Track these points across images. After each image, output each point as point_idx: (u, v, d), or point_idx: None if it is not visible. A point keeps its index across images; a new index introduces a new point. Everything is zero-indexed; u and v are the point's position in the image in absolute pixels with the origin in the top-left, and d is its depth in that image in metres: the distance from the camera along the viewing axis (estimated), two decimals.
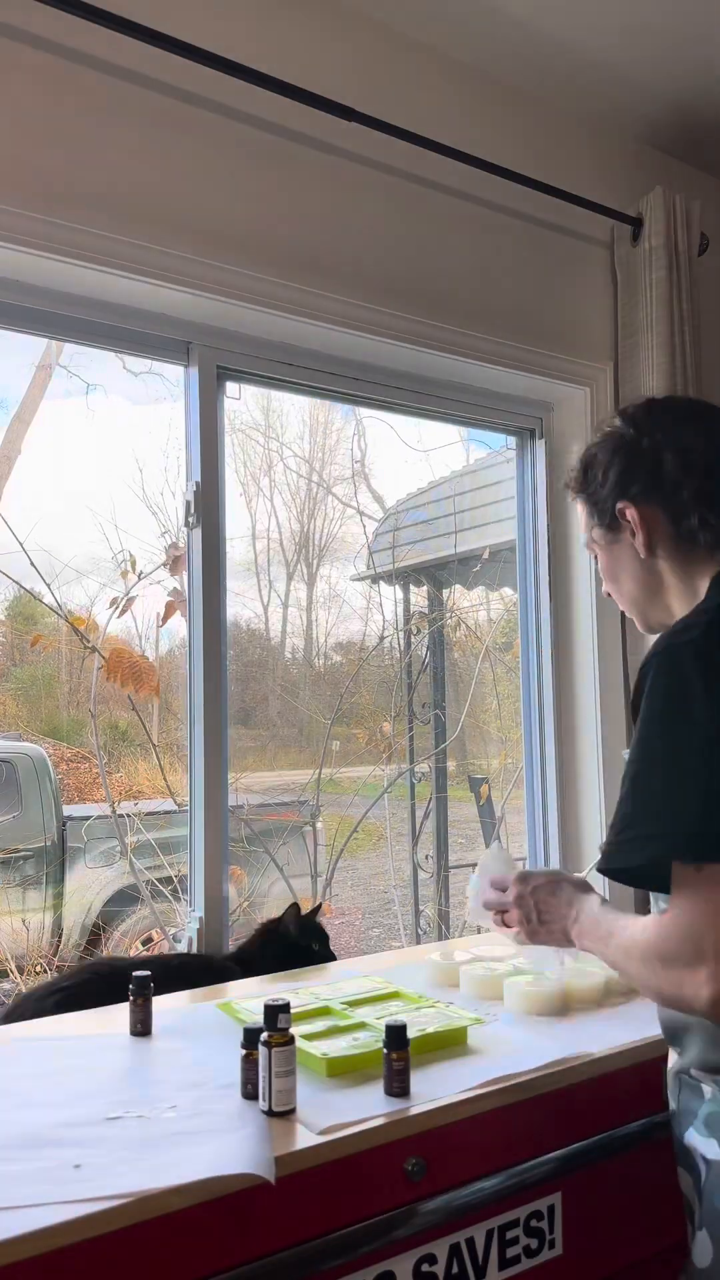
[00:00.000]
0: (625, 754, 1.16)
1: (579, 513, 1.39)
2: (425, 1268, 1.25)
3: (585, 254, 2.68)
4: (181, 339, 2.13)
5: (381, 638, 2.98)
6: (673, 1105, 1.23)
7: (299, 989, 1.75)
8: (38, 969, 2.40)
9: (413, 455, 2.83)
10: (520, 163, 2.42)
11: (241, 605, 2.50)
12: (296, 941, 2.00)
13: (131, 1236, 1.03)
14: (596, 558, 1.39)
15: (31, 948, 2.40)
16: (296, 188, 2.14)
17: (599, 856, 1.13)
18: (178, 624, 2.25)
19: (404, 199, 2.31)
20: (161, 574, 2.25)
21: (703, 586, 1.24)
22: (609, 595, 1.40)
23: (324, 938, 2.07)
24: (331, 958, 2.07)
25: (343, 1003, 1.64)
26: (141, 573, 2.25)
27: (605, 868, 1.12)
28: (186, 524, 2.16)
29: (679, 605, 1.27)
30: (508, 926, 1.44)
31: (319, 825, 2.82)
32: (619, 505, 1.29)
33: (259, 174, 2.09)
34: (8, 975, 2.35)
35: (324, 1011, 1.61)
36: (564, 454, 2.74)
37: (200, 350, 2.15)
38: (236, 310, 2.09)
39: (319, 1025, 1.53)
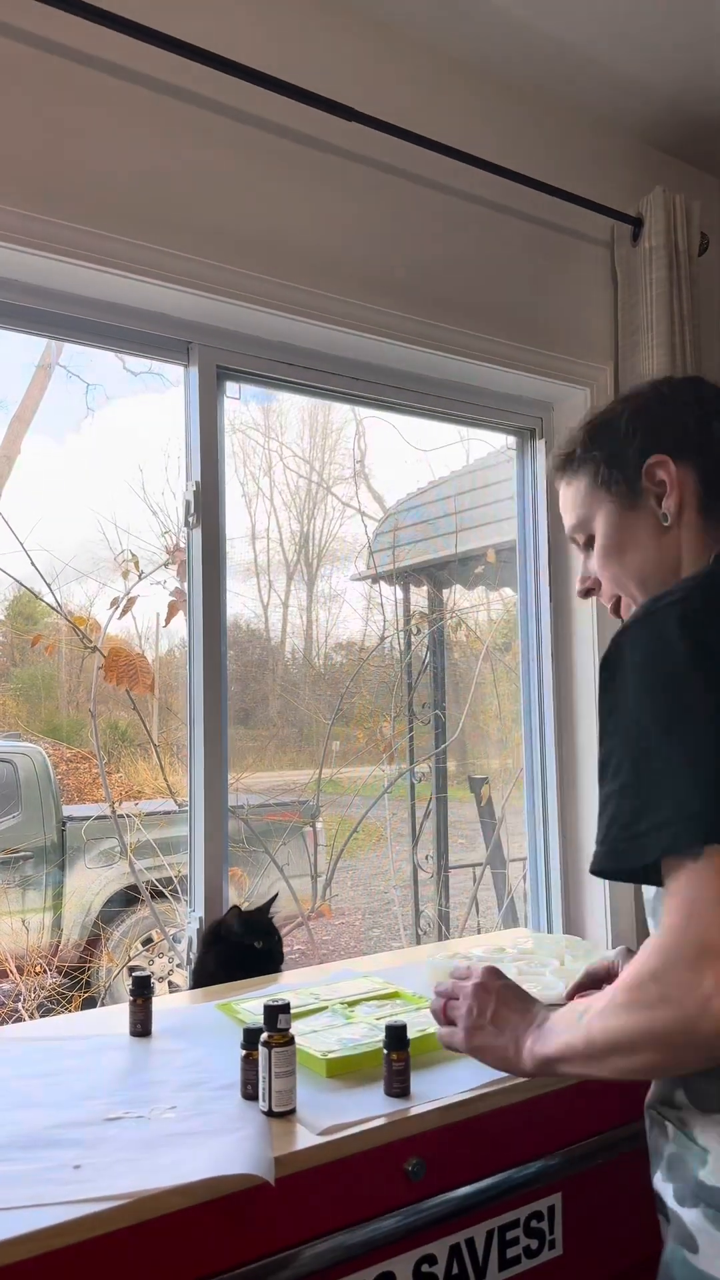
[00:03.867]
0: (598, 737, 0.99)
1: (573, 488, 1.22)
2: (425, 1268, 1.25)
3: (585, 253, 2.68)
4: (181, 339, 2.13)
5: (381, 638, 2.97)
6: (648, 1143, 1.08)
7: (297, 990, 1.74)
8: (37, 969, 2.40)
9: (413, 455, 2.82)
10: (520, 162, 2.42)
11: (241, 605, 2.50)
12: (240, 940, 1.92)
13: (131, 1237, 1.03)
14: (587, 540, 1.22)
15: (31, 948, 2.39)
16: (296, 187, 2.14)
17: (598, 854, 0.96)
18: (178, 623, 2.25)
19: (404, 198, 2.31)
20: (163, 574, 2.24)
21: (710, 559, 1.11)
22: (588, 589, 1.25)
23: (269, 935, 1.95)
24: (278, 959, 1.96)
25: (342, 1003, 1.64)
26: (143, 573, 2.24)
27: (616, 867, 0.94)
28: (186, 524, 2.16)
29: None
30: (447, 1019, 1.21)
31: (319, 825, 2.81)
32: (651, 460, 1.13)
33: (259, 173, 2.09)
34: (7, 975, 2.34)
35: (323, 1012, 1.61)
36: None
37: (200, 350, 2.15)
38: (236, 310, 2.09)
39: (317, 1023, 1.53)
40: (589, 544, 1.22)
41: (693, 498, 1.13)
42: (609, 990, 0.95)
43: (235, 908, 1.98)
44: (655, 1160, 1.04)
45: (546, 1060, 1.04)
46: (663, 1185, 1.01)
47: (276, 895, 2.00)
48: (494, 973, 1.20)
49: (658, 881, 0.92)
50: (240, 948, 1.91)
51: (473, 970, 1.22)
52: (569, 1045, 0.99)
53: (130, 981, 1.58)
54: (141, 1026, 1.55)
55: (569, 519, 1.24)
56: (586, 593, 1.26)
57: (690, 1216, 0.95)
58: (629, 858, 0.92)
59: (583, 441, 1.21)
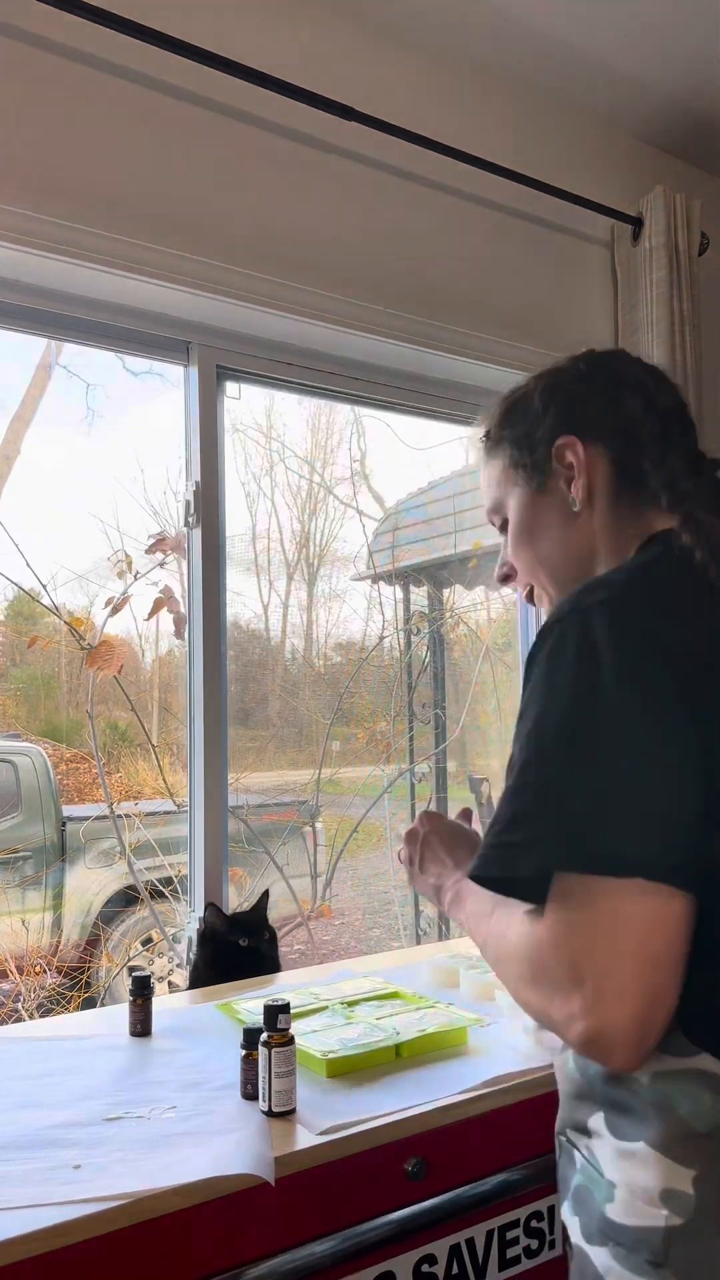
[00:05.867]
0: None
1: (490, 467, 1.16)
2: (425, 1268, 1.24)
3: (586, 253, 2.67)
4: (181, 338, 2.13)
5: (381, 638, 2.97)
6: (557, 1171, 1.02)
7: (297, 990, 1.74)
8: (37, 969, 2.40)
9: (412, 455, 2.82)
10: (520, 162, 2.42)
11: (241, 605, 2.49)
12: (225, 939, 1.89)
13: (131, 1237, 1.03)
14: (502, 524, 1.16)
15: (31, 948, 2.39)
16: (296, 187, 2.14)
17: (476, 859, 0.90)
18: (167, 622, 2.25)
19: (404, 198, 2.31)
20: (158, 574, 2.25)
21: (631, 551, 1.02)
22: (505, 575, 1.18)
23: (256, 933, 1.91)
24: (272, 959, 1.92)
25: (342, 1003, 1.64)
26: (138, 573, 2.24)
27: (481, 874, 0.88)
28: (186, 524, 2.16)
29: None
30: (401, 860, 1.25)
31: (319, 825, 2.81)
32: (560, 442, 1.06)
33: (259, 173, 2.09)
34: (6, 975, 2.34)
35: (323, 1012, 1.61)
36: None
37: (200, 350, 2.15)
38: (236, 310, 2.09)
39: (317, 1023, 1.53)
40: (504, 527, 1.16)
41: (604, 482, 1.05)
42: (513, 922, 0.90)
43: (211, 905, 1.97)
44: (563, 1190, 0.98)
45: (460, 922, 1.08)
46: (570, 1218, 0.95)
47: (266, 893, 1.98)
48: (425, 818, 1.23)
49: (536, 898, 0.86)
50: (228, 947, 1.89)
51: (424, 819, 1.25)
52: (472, 929, 1.02)
53: (130, 981, 1.58)
54: (141, 1026, 1.55)
55: (486, 499, 1.18)
56: (504, 579, 1.19)
57: (598, 1256, 0.89)
58: (493, 865, 0.87)
59: (498, 420, 1.16)
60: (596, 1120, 0.91)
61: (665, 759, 0.82)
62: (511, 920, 0.91)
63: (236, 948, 1.89)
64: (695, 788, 0.82)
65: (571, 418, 1.07)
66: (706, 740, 0.82)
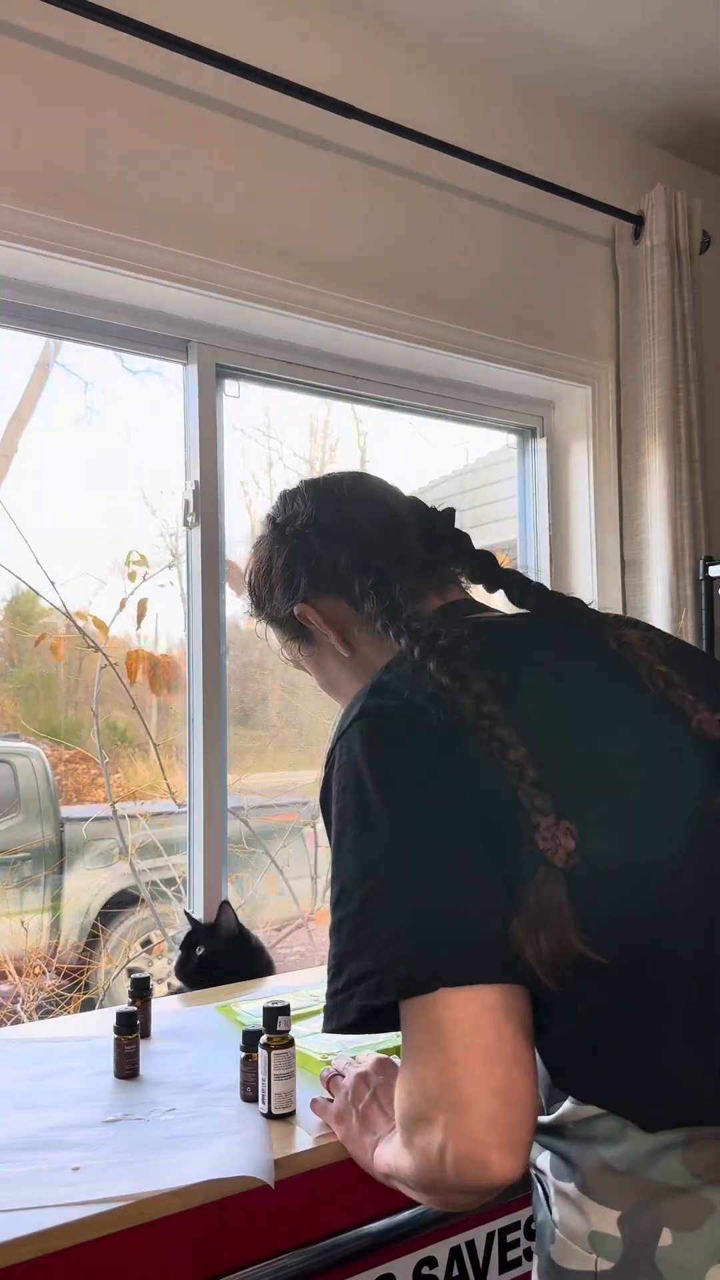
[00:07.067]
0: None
1: (271, 635, 1.22)
2: (425, 1270, 1.24)
3: (587, 252, 2.67)
4: (180, 337, 2.13)
5: None
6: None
7: (296, 991, 1.74)
8: (36, 970, 2.39)
9: (413, 454, 2.81)
10: (521, 160, 2.41)
11: (241, 605, 2.48)
12: (202, 956, 1.88)
13: (130, 1239, 1.02)
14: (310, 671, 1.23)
15: (30, 949, 2.39)
16: (296, 185, 2.14)
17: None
18: (167, 624, 2.25)
19: (404, 196, 2.31)
20: (167, 575, 2.24)
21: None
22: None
23: (215, 940, 1.88)
24: (236, 967, 1.90)
25: None
26: (146, 574, 2.24)
27: (335, 1028, 0.84)
28: (185, 523, 2.15)
29: None
30: (324, 1108, 1.18)
31: (319, 826, 2.80)
32: (296, 611, 1.11)
33: (258, 171, 2.08)
34: (5, 977, 2.34)
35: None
36: (565, 453, 2.74)
37: (199, 348, 2.14)
38: (236, 308, 2.08)
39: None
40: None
41: (353, 619, 1.08)
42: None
43: (186, 914, 1.97)
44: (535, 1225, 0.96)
45: (383, 1177, 0.96)
46: (535, 1251, 0.94)
47: (225, 903, 1.95)
48: (380, 1065, 1.15)
49: (367, 1030, 0.84)
50: (194, 956, 1.89)
51: (364, 1059, 1.19)
52: (389, 1171, 0.92)
53: (129, 983, 1.57)
54: (141, 1028, 1.54)
55: (285, 656, 1.26)
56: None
57: None
58: (329, 1020, 0.85)
59: (251, 606, 1.21)
60: (543, 1159, 0.91)
61: (443, 869, 0.81)
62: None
63: (195, 954, 1.88)
64: (480, 879, 0.81)
65: (292, 588, 1.11)
66: (485, 824, 0.82)
